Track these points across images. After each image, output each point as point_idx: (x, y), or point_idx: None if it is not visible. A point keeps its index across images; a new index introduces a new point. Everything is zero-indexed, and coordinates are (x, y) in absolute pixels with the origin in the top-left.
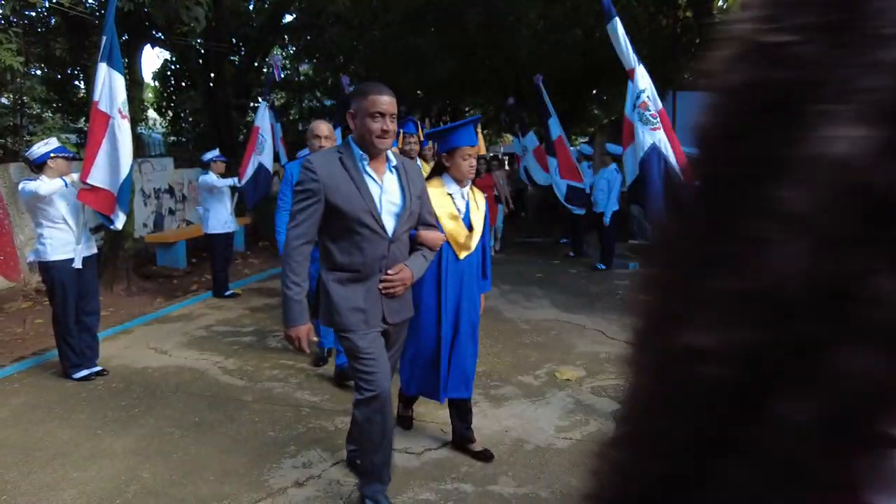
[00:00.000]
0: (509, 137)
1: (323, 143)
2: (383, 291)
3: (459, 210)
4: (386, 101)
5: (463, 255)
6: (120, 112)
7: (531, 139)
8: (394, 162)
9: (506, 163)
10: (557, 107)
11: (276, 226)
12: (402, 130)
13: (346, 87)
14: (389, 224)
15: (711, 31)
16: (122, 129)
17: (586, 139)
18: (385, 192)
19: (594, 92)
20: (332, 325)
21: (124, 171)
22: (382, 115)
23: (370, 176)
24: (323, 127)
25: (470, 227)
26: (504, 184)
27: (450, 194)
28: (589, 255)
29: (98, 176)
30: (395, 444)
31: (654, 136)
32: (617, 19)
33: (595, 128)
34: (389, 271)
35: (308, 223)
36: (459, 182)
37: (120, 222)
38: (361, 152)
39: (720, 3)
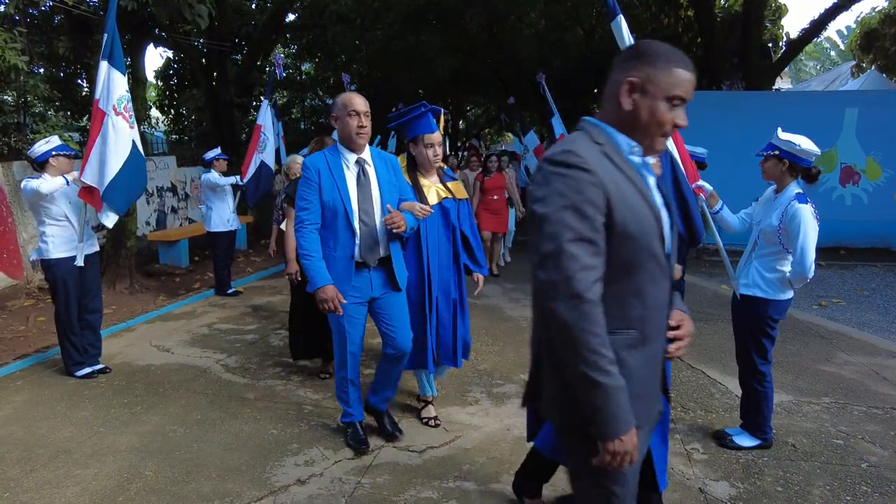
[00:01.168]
0: (510, 136)
1: (363, 122)
2: (672, 356)
3: None
4: (692, 83)
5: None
6: (114, 109)
7: (532, 138)
8: (651, 158)
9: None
10: (559, 105)
11: (302, 247)
12: (417, 133)
13: (347, 85)
14: (671, 250)
15: (712, 30)
16: (117, 128)
17: None
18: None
19: (595, 91)
20: (586, 424)
21: (113, 168)
22: (684, 101)
23: (645, 179)
24: (358, 101)
25: None
26: (515, 185)
27: None
28: None
29: (89, 174)
30: (397, 442)
31: None
32: (621, 17)
33: None
34: (671, 321)
35: (602, 257)
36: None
37: (109, 222)
38: (632, 143)
39: (721, 2)
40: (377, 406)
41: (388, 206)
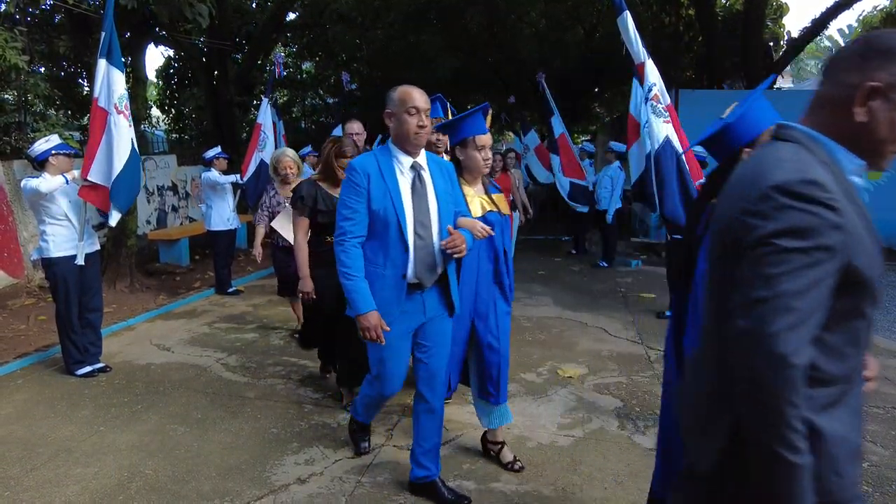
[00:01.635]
0: (510, 136)
1: (423, 121)
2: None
3: None
4: None
5: None
6: (116, 108)
7: (532, 137)
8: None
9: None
10: (559, 105)
11: (343, 263)
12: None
13: (347, 83)
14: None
15: (714, 29)
16: (119, 126)
17: (588, 137)
18: None
19: (596, 90)
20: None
21: (117, 167)
22: None
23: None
24: (419, 96)
25: None
26: (521, 186)
27: None
28: (591, 253)
29: (97, 173)
30: (398, 440)
31: (668, 129)
32: (627, 13)
33: (597, 126)
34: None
35: (822, 313)
36: None
37: (113, 220)
38: (858, 161)
39: (723, 1)
40: (430, 477)
41: (449, 227)
